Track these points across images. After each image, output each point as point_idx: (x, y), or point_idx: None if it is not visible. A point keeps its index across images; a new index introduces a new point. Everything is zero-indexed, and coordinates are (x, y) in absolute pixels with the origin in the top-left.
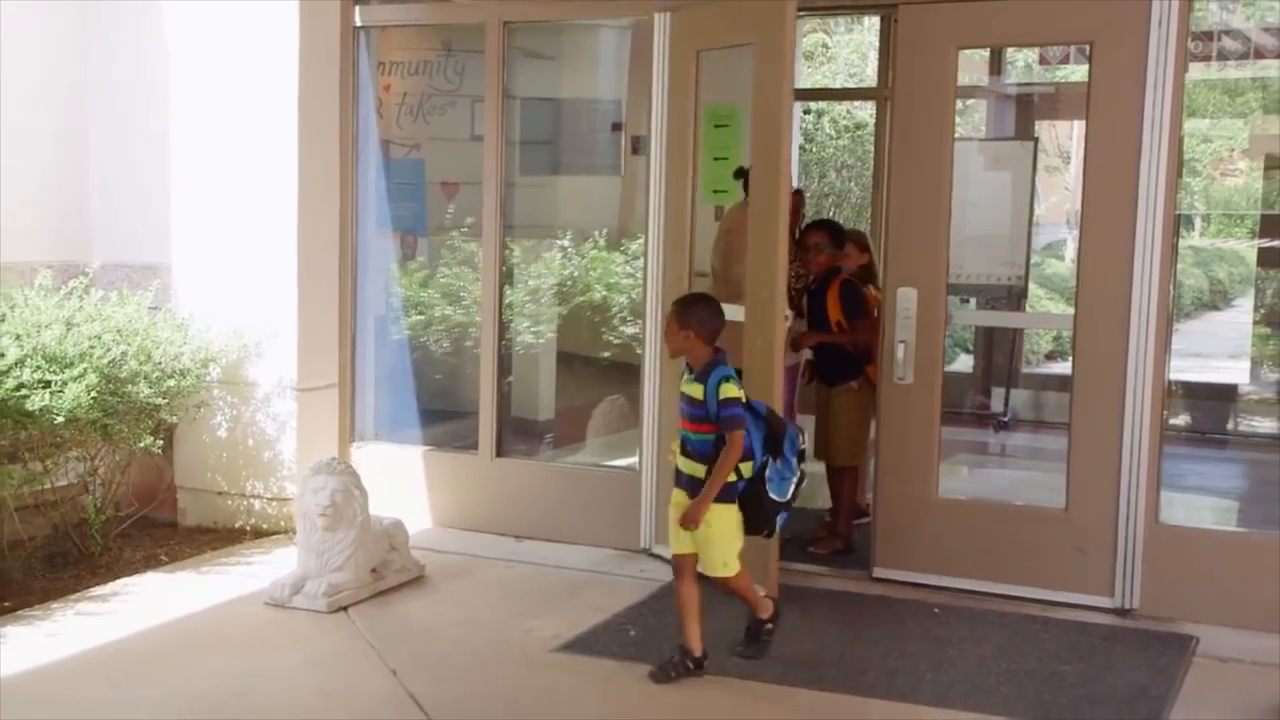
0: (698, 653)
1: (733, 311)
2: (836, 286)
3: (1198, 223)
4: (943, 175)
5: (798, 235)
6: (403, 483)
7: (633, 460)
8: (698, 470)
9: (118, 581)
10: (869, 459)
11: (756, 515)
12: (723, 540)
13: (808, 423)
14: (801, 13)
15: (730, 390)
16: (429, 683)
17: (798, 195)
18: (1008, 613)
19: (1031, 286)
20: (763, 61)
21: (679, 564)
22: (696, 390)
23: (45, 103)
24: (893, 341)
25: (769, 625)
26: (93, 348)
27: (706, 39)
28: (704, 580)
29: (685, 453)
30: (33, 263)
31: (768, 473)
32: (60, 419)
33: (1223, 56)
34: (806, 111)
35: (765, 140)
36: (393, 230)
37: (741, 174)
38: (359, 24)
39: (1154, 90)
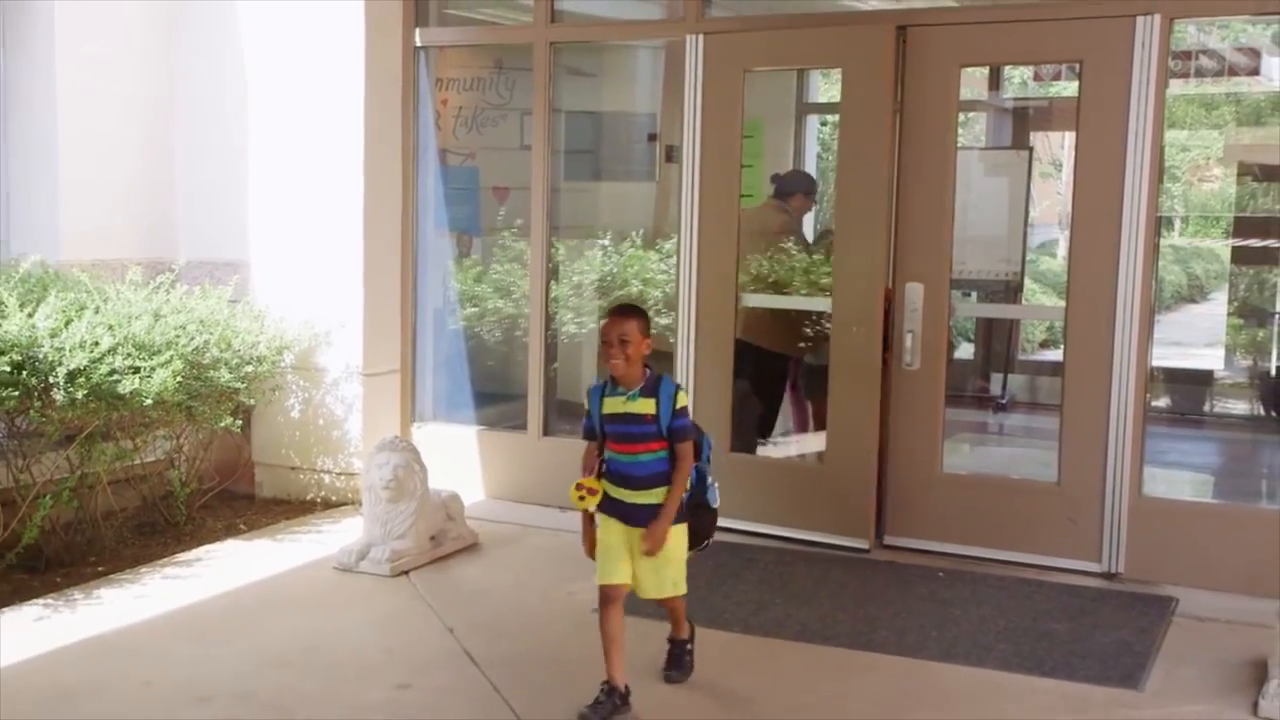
0: (623, 687)
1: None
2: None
3: (1177, 224)
4: (946, 181)
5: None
6: (458, 459)
7: None
8: (652, 496)
9: (200, 548)
10: None
11: (702, 527)
12: (678, 558)
13: None
14: None
15: (684, 399)
16: (482, 640)
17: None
18: (1005, 576)
19: (1027, 281)
20: (854, 83)
21: (611, 593)
22: (647, 406)
23: (135, 117)
24: (902, 331)
25: (690, 645)
26: (178, 337)
27: (755, 61)
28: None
29: (628, 483)
30: (124, 260)
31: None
32: (149, 401)
33: (1200, 74)
34: (823, 123)
35: (867, 152)
36: (449, 230)
37: (776, 179)
38: (419, 44)
39: (1137, 104)
